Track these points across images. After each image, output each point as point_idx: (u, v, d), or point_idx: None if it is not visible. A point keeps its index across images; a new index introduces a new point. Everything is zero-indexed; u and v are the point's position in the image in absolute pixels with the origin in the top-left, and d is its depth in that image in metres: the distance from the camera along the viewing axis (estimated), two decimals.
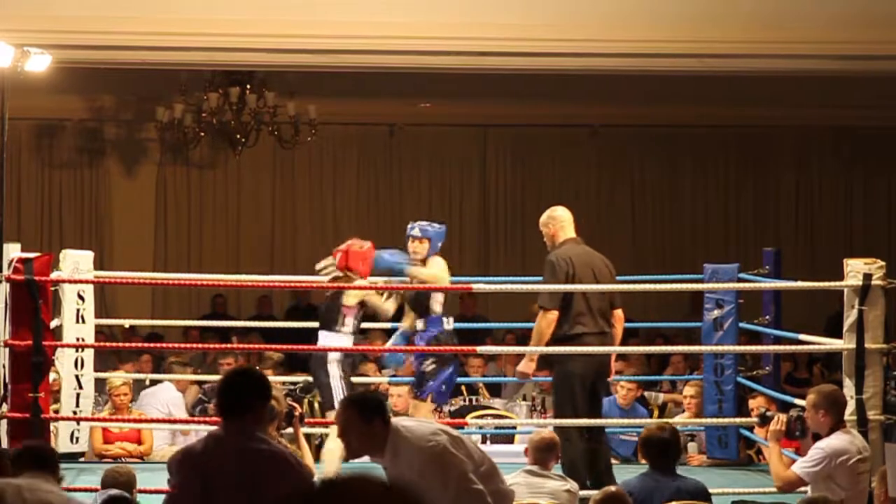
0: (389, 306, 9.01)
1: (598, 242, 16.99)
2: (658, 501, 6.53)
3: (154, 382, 11.34)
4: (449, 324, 8.90)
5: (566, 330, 8.32)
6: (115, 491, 6.64)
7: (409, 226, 9.08)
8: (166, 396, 10.97)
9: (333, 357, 8.72)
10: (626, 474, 7.64)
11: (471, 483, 5.33)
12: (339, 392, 8.69)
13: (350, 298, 8.82)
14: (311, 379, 9.21)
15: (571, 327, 8.33)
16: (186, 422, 10.07)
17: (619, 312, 8.60)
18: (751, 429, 9.93)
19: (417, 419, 5.60)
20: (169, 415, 10.65)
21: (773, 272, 10.17)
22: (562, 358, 8.39)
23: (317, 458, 8.70)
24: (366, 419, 5.32)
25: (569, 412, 8.34)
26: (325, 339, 8.85)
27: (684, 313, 15.19)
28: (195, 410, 10.98)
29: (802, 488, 7.21)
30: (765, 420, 7.45)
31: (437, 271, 8.86)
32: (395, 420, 5.45)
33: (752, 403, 9.76)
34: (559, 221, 8.60)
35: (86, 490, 8.21)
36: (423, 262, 8.92)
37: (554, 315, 8.31)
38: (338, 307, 8.83)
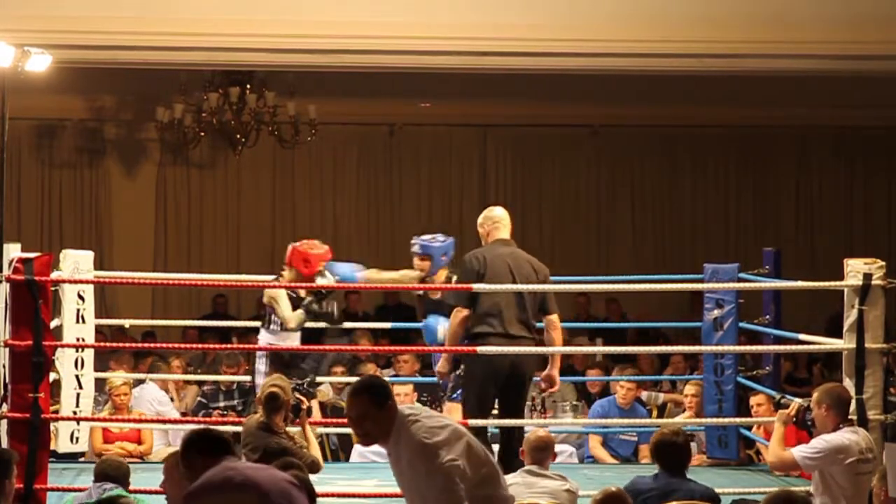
0: (293, 319, 8.73)
1: (599, 242, 17.24)
2: (668, 501, 6.55)
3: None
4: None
5: (471, 328, 8.22)
6: (111, 484, 6.66)
7: (412, 241, 8.97)
8: (151, 396, 10.99)
9: (261, 353, 8.79)
10: (626, 474, 7.65)
11: (453, 483, 5.30)
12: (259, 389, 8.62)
13: (265, 296, 8.88)
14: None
15: (475, 326, 8.22)
16: (187, 422, 10.06)
17: (553, 318, 8.40)
18: (751, 429, 9.93)
19: (430, 412, 5.56)
20: (157, 414, 10.67)
21: (773, 272, 10.16)
22: (466, 359, 8.31)
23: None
24: (379, 404, 5.37)
25: (468, 413, 8.22)
26: (260, 336, 8.95)
27: (684, 313, 15.18)
28: (197, 412, 10.98)
29: (805, 488, 7.22)
30: (779, 406, 7.50)
31: (396, 275, 8.69)
32: (403, 408, 5.45)
33: (752, 401, 9.76)
34: (493, 222, 8.52)
35: (85, 490, 8.21)
36: (423, 280, 8.83)
37: (464, 312, 8.20)
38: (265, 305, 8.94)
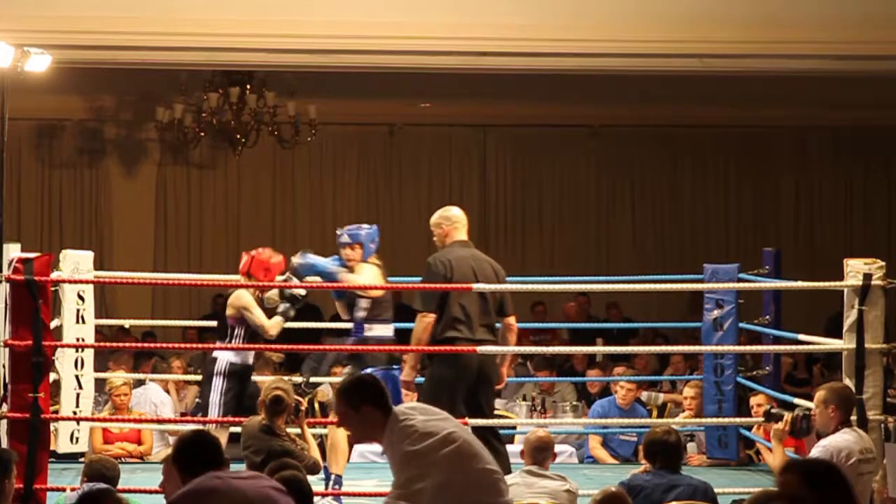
0: (273, 326, 8.51)
1: (599, 242, 17.24)
2: (671, 497, 6.56)
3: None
4: (372, 330, 8.52)
5: (439, 334, 8.15)
6: (102, 485, 6.65)
7: (338, 233, 8.79)
8: (154, 397, 10.99)
9: (218, 370, 8.49)
10: (627, 474, 7.64)
11: (399, 497, 5.25)
12: (214, 408, 8.44)
13: (229, 309, 8.53)
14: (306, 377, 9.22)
15: (444, 331, 8.15)
16: (186, 422, 10.06)
17: (510, 320, 8.38)
18: (750, 429, 9.93)
19: (432, 411, 5.45)
20: (157, 415, 10.68)
21: (773, 272, 10.16)
22: (434, 362, 8.26)
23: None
24: (353, 407, 5.34)
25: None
26: (219, 354, 8.57)
27: (684, 313, 15.19)
28: (196, 412, 10.97)
29: None
30: (770, 417, 7.47)
31: (364, 281, 8.52)
32: (401, 407, 5.40)
33: (753, 401, 9.76)
34: (452, 222, 8.47)
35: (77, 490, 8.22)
36: (351, 269, 8.60)
37: (431, 318, 8.14)
38: (225, 318, 8.57)
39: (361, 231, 8.75)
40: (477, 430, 7.85)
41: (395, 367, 8.49)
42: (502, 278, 8.42)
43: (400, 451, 5.29)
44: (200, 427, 8.16)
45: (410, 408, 5.47)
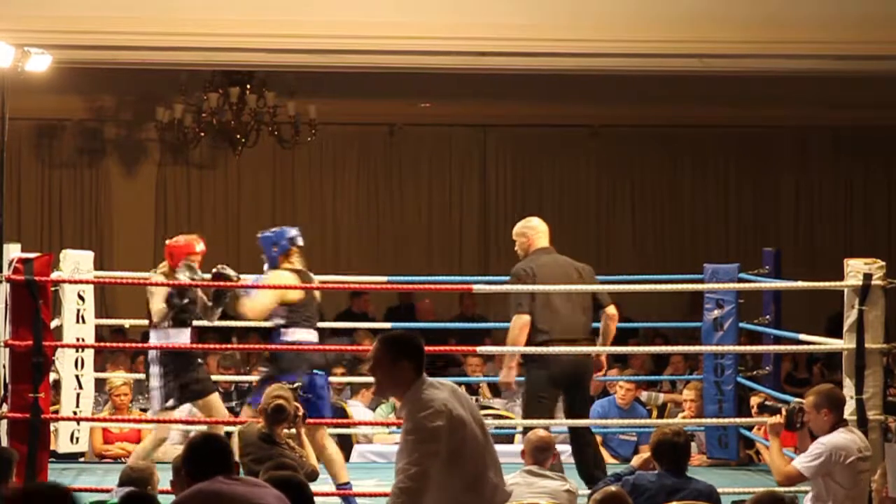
0: (157, 314, 8.61)
1: (599, 242, 17.24)
2: (674, 500, 6.56)
3: None
4: (292, 335, 8.47)
5: (531, 338, 8.33)
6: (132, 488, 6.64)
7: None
8: None
9: (153, 355, 8.63)
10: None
11: (424, 466, 5.22)
12: (156, 395, 8.56)
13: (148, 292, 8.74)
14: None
15: (536, 335, 8.33)
16: (186, 422, 10.05)
17: (610, 310, 8.57)
18: (751, 429, 9.93)
19: (462, 396, 5.44)
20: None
21: (773, 272, 10.17)
22: (531, 364, 8.41)
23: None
24: (392, 357, 5.34)
25: (534, 416, 8.33)
26: (152, 337, 8.77)
27: (684, 313, 15.18)
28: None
29: (804, 488, 7.22)
30: (764, 409, 7.47)
31: (250, 301, 8.46)
32: (431, 379, 5.37)
33: (753, 400, 9.76)
34: (535, 231, 8.68)
35: (85, 490, 8.22)
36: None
37: (526, 318, 8.32)
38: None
39: (260, 236, 8.69)
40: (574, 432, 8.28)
41: (316, 372, 8.48)
42: (587, 277, 8.57)
43: (408, 421, 5.28)
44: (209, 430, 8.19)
45: (440, 383, 5.43)
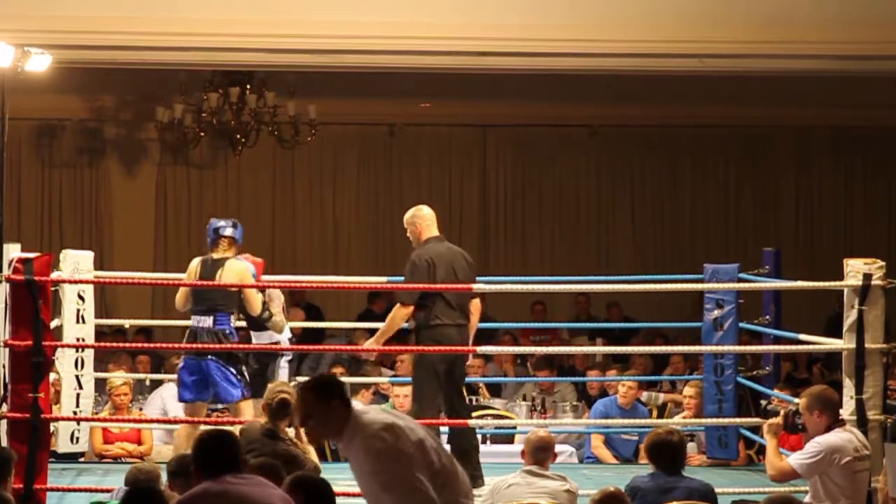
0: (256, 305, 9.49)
1: (599, 242, 17.24)
2: (668, 499, 6.57)
3: (155, 383, 11.35)
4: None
5: (426, 322, 8.73)
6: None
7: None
8: (165, 395, 10.98)
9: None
10: (627, 474, 7.65)
11: (416, 482, 5.24)
12: (283, 373, 9.29)
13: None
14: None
15: (431, 319, 8.73)
16: (186, 422, 10.05)
17: (476, 302, 9.02)
18: (750, 429, 9.93)
19: (381, 408, 5.54)
20: (164, 413, 10.66)
21: (773, 272, 10.17)
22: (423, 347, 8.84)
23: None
24: (323, 402, 5.33)
25: (427, 394, 8.71)
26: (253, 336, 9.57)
27: (684, 313, 15.18)
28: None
29: (803, 488, 7.22)
30: (766, 413, 7.49)
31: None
32: (356, 406, 5.41)
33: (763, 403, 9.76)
34: (425, 220, 8.97)
35: (85, 490, 8.23)
36: None
37: (409, 310, 8.74)
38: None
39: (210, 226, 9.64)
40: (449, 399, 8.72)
41: (210, 357, 9.12)
42: (474, 266, 9.12)
43: (367, 451, 5.26)
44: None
45: (363, 408, 5.46)
